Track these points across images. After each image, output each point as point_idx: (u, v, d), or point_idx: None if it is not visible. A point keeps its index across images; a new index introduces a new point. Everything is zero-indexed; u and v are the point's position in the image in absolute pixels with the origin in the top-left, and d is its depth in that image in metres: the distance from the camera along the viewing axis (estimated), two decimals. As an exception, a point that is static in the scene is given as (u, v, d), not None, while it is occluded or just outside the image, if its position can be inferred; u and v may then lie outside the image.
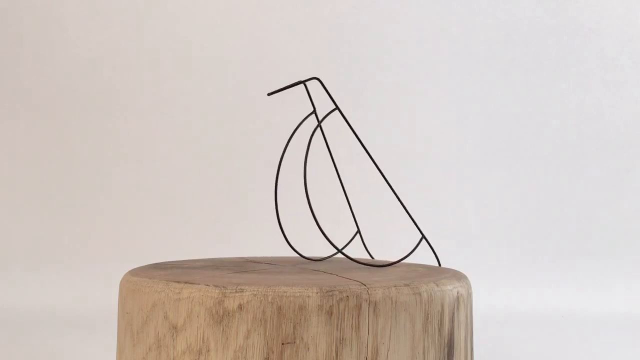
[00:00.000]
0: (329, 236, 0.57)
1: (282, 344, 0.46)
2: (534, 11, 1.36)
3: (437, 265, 0.65)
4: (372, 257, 0.69)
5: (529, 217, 1.31)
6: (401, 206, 0.62)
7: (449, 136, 1.35)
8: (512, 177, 1.33)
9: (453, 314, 0.52)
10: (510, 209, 1.32)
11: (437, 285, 0.51)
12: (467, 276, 0.58)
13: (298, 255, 0.65)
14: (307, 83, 0.59)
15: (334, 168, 0.67)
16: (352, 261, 0.61)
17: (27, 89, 1.33)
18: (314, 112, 0.60)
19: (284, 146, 0.57)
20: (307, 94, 0.59)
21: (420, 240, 0.62)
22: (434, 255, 0.65)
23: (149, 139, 1.34)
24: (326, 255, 0.67)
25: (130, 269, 0.60)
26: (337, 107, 0.60)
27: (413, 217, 0.63)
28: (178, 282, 0.49)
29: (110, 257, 1.25)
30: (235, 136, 1.34)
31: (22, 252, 1.27)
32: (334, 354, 0.46)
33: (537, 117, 1.35)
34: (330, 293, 0.46)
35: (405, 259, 0.63)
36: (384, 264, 0.62)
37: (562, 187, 1.33)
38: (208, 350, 0.47)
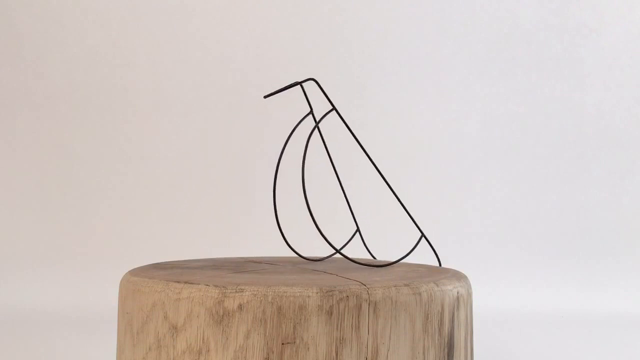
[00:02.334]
0: (328, 236, 0.57)
1: (282, 344, 0.46)
2: (535, 11, 1.36)
3: (438, 264, 0.65)
4: (373, 257, 0.69)
5: (529, 217, 1.31)
6: (400, 205, 0.62)
7: (449, 136, 1.35)
8: (512, 177, 1.33)
9: (453, 314, 0.52)
10: (510, 209, 1.32)
11: (437, 285, 0.51)
12: (467, 276, 0.58)
13: (298, 256, 0.65)
14: (304, 84, 0.58)
15: (332, 168, 0.66)
16: (351, 261, 0.61)
17: (28, 90, 1.33)
18: (311, 112, 0.60)
19: (281, 147, 0.57)
20: (304, 95, 0.59)
21: (420, 239, 0.62)
22: (434, 255, 0.65)
23: (149, 139, 1.34)
24: (325, 256, 0.67)
25: (130, 269, 0.60)
26: (334, 108, 0.60)
27: (412, 216, 0.63)
28: (178, 282, 0.49)
29: (110, 257, 1.25)
30: (235, 136, 1.34)
31: (22, 252, 1.27)
32: (334, 354, 0.46)
33: (538, 117, 1.35)
34: (330, 293, 0.46)
35: (405, 259, 0.63)
36: (383, 263, 0.62)
37: (562, 187, 1.33)
38: (208, 350, 0.47)
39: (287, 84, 0.58)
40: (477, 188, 1.33)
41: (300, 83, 0.58)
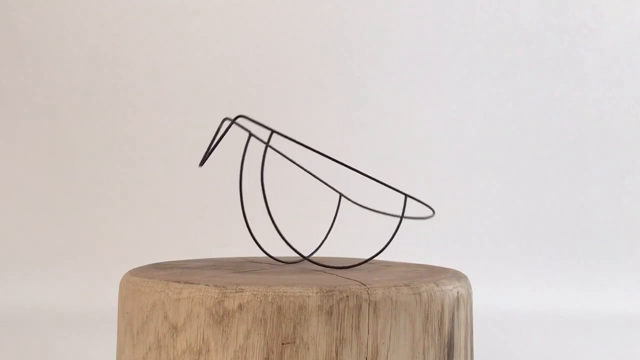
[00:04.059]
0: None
1: (282, 344, 0.46)
2: (535, 11, 1.36)
3: (431, 212, 0.63)
4: (301, 254, 0.68)
5: (529, 217, 1.31)
6: (375, 181, 0.59)
7: (449, 136, 1.35)
8: (512, 177, 1.33)
9: (453, 314, 0.52)
10: (510, 209, 1.32)
11: (437, 285, 0.51)
12: (467, 276, 0.58)
13: (297, 256, 0.65)
14: (238, 120, 0.60)
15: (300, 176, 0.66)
16: (321, 266, 0.59)
17: (29, 91, 1.33)
18: (251, 136, 0.61)
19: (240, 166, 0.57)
20: (241, 128, 0.60)
21: (405, 199, 0.59)
22: (424, 206, 0.61)
23: (149, 139, 1.34)
24: (298, 259, 0.66)
25: (130, 269, 0.60)
26: (273, 131, 0.60)
27: (389, 184, 0.60)
28: (178, 282, 0.49)
29: (110, 257, 1.25)
30: (235, 136, 1.34)
31: (22, 252, 1.27)
32: (334, 354, 0.46)
33: (538, 117, 1.35)
34: (330, 293, 0.46)
35: (405, 258, 0.62)
36: (356, 263, 0.60)
37: (562, 187, 1.33)
38: (208, 350, 0.47)
39: (217, 133, 0.59)
40: (477, 188, 1.33)
41: (232, 121, 0.59)
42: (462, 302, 0.53)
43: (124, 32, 1.35)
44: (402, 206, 0.58)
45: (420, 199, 0.60)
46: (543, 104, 1.35)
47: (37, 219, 1.30)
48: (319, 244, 0.68)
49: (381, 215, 0.70)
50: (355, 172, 0.57)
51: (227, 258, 0.69)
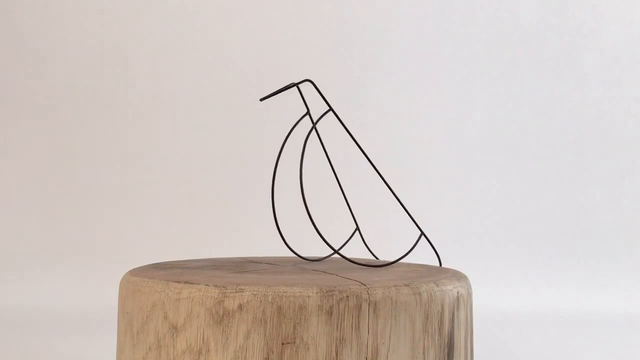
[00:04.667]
0: (327, 236, 0.56)
1: (282, 344, 0.46)
2: (535, 11, 1.36)
3: (438, 263, 0.65)
4: (375, 256, 0.69)
5: (529, 217, 1.31)
6: (399, 204, 0.62)
7: (449, 136, 1.35)
8: (512, 177, 1.33)
9: (453, 314, 0.52)
10: (510, 209, 1.32)
11: (437, 285, 0.51)
12: (467, 276, 0.58)
13: (297, 256, 0.65)
14: (300, 85, 0.58)
15: (330, 169, 0.66)
16: (350, 262, 0.61)
17: (28, 91, 1.33)
18: (308, 113, 0.60)
19: (279, 148, 0.57)
20: (300, 96, 0.59)
21: (420, 237, 0.62)
22: (434, 253, 0.65)
23: (149, 139, 1.34)
24: (324, 255, 0.67)
25: (130, 269, 0.60)
26: (330, 108, 0.60)
27: (411, 214, 0.62)
28: (178, 282, 0.49)
29: (110, 257, 1.25)
30: (235, 136, 1.34)
31: (22, 252, 1.27)
32: (334, 354, 0.46)
33: (537, 117, 1.35)
34: (330, 293, 0.46)
35: (405, 259, 0.63)
36: (382, 263, 0.61)
37: (562, 187, 1.33)
38: (208, 350, 0.47)
39: (284, 85, 0.58)
40: (477, 188, 1.33)
41: (296, 84, 0.58)
42: (462, 302, 0.53)
43: (124, 32, 1.35)
44: (415, 242, 0.60)
45: (434, 245, 0.63)
46: (543, 104, 1.35)
47: (37, 219, 1.30)
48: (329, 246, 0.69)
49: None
50: (386, 186, 0.58)
51: (227, 258, 0.69)
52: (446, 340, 0.51)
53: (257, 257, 0.69)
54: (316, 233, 0.56)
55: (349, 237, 0.68)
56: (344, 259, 0.66)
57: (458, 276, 0.56)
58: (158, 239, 1.27)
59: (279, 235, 0.59)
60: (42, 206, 1.30)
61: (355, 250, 0.67)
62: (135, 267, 0.60)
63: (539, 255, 1.29)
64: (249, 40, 1.36)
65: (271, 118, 1.33)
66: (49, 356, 0.85)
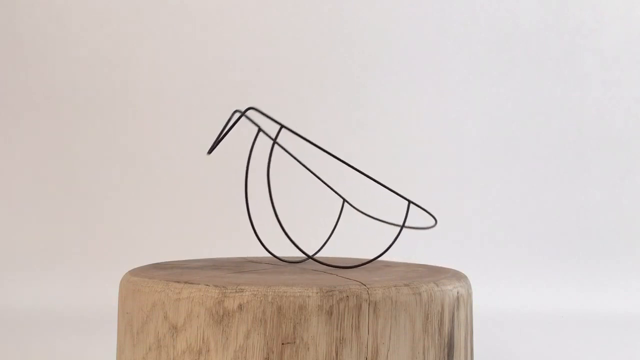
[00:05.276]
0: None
1: (282, 344, 0.46)
2: (535, 11, 1.36)
3: (434, 222, 0.63)
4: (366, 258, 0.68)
5: (529, 217, 1.31)
6: (379, 184, 0.60)
7: (449, 136, 1.35)
8: (512, 177, 1.33)
9: (453, 314, 0.52)
10: (510, 209, 1.32)
11: (437, 285, 0.51)
12: (467, 276, 0.58)
13: (300, 256, 0.65)
14: (247, 113, 0.59)
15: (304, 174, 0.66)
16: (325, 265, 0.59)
17: (28, 91, 1.33)
18: (260, 131, 0.60)
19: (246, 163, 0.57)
20: (250, 121, 0.59)
21: (409, 206, 0.59)
22: (428, 215, 0.61)
23: (149, 139, 1.34)
24: (303, 258, 0.66)
25: (130, 269, 0.60)
26: (282, 126, 0.60)
27: (393, 189, 0.59)
28: (178, 282, 0.49)
29: (110, 257, 1.25)
30: (235, 136, 1.34)
31: (22, 252, 1.27)
32: (334, 354, 0.46)
33: (537, 117, 1.35)
34: (330, 293, 0.46)
35: (404, 258, 0.62)
36: (358, 263, 0.60)
37: (562, 187, 1.33)
38: (208, 350, 0.47)
39: (227, 124, 0.59)
40: (477, 188, 1.33)
41: (242, 114, 0.59)
42: (462, 302, 0.53)
43: (125, 32, 1.35)
44: (405, 213, 0.58)
45: (423, 207, 0.60)
46: (543, 104, 1.35)
47: (37, 219, 1.30)
48: (320, 244, 0.68)
49: (379, 214, 0.70)
50: (360, 174, 0.57)
51: (227, 258, 0.69)
52: (446, 340, 0.51)
53: (257, 257, 0.69)
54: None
55: (323, 242, 0.67)
56: (344, 259, 0.66)
57: (458, 276, 0.56)
58: (158, 239, 1.27)
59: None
60: (42, 206, 1.30)
61: (351, 250, 0.67)
62: (135, 267, 0.60)
63: (539, 255, 1.29)
64: (249, 40, 1.36)
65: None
66: (49, 356, 0.85)
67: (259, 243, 0.59)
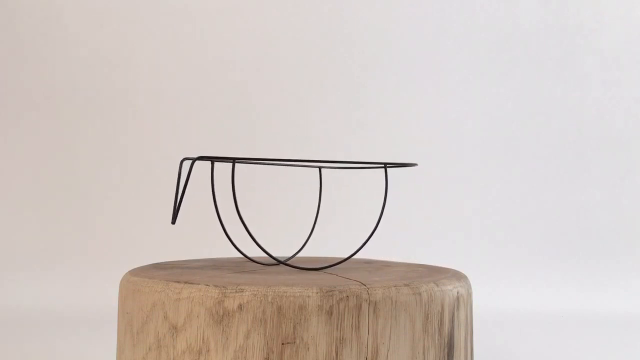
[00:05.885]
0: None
1: (282, 344, 0.46)
2: (535, 11, 1.36)
3: (415, 164, 0.60)
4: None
5: (529, 217, 1.31)
6: (355, 168, 0.58)
7: (449, 136, 1.35)
8: (512, 177, 1.33)
9: (453, 314, 0.52)
10: (510, 209, 1.32)
11: (437, 285, 0.51)
12: (467, 276, 0.58)
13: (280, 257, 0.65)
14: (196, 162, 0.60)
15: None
16: (298, 269, 0.58)
17: (28, 91, 1.33)
18: (198, 158, 0.61)
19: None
20: (204, 159, 0.60)
21: (386, 170, 0.57)
22: (403, 166, 0.60)
23: (148, 139, 1.34)
24: (277, 260, 0.65)
25: (130, 269, 0.60)
26: (233, 161, 0.61)
27: (364, 163, 0.58)
28: (178, 282, 0.49)
29: (110, 257, 1.25)
30: (234, 136, 1.34)
31: (22, 252, 1.27)
32: (334, 354, 0.46)
33: (537, 117, 1.35)
34: (330, 293, 0.46)
35: (404, 259, 0.62)
36: (335, 262, 0.59)
37: (562, 187, 1.33)
38: (208, 350, 0.47)
39: (179, 179, 0.59)
40: (477, 188, 1.33)
41: (191, 162, 0.60)
42: (462, 302, 0.53)
43: (125, 32, 1.35)
44: (384, 178, 0.57)
45: (399, 162, 0.58)
46: (543, 104, 1.35)
47: (37, 219, 1.30)
48: (306, 239, 0.68)
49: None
50: (331, 165, 0.57)
51: (227, 258, 0.69)
52: (446, 340, 0.51)
53: (257, 257, 0.69)
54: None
55: (299, 248, 0.68)
56: (342, 258, 0.66)
57: (458, 276, 0.56)
58: (158, 239, 1.27)
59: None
60: (42, 206, 1.30)
61: (348, 248, 0.67)
62: (135, 267, 0.60)
63: (539, 255, 1.29)
64: (249, 40, 1.36)
65: (271, 118, 1.33)
66: (49, 356, 0.85)
67: (231, 243, 0.59)
